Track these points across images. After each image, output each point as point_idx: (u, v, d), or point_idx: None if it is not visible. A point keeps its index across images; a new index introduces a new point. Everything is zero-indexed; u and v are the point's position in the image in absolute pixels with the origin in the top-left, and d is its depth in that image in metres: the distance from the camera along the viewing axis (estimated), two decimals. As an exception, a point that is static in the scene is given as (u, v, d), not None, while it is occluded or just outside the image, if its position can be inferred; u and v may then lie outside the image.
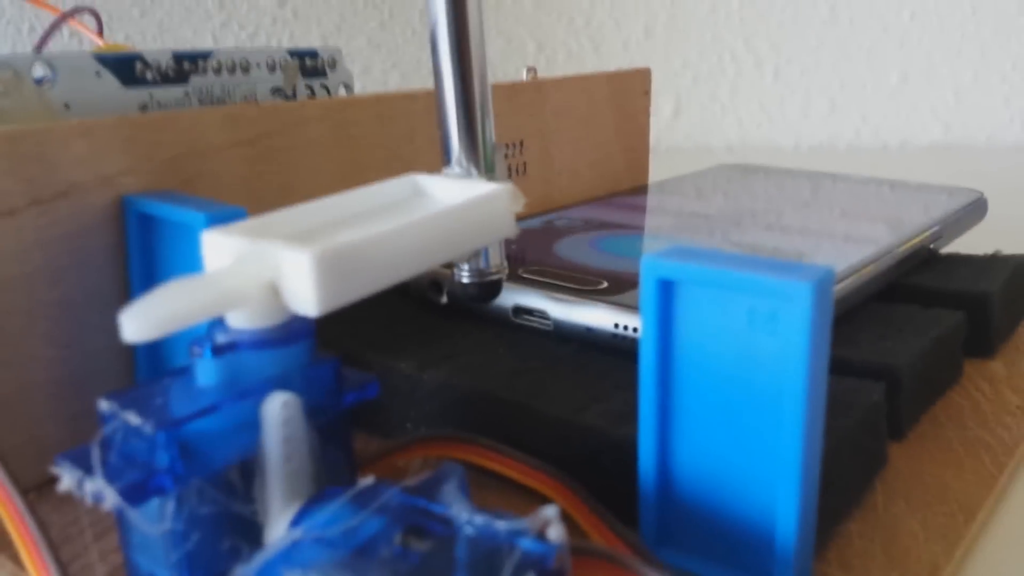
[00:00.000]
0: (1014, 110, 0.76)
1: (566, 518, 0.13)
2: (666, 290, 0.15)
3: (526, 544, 0.12)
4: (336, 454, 0.16)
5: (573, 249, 0.29)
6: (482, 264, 0.20)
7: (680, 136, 0.83)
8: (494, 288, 0.21)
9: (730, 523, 0.15)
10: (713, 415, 0.15)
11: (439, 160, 0.21)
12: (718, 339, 0.15)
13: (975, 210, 0.34)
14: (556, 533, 0.12)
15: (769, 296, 0.14)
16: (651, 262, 0.15)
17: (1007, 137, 0.76)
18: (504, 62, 0.83)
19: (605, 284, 0.25)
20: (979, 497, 0.19)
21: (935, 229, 0.30)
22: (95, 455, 0.13)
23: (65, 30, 0.29)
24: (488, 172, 0.20)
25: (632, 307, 0.23)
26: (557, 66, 0.84)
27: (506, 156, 0.32)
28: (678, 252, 0.15)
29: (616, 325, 0.22)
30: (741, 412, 0.15)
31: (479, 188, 0.19)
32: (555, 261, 0.27)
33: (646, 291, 0.15)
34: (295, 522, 0.14)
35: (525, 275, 0.25)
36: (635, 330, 0.22)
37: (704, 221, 0.32)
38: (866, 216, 0.32)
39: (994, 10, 0.75)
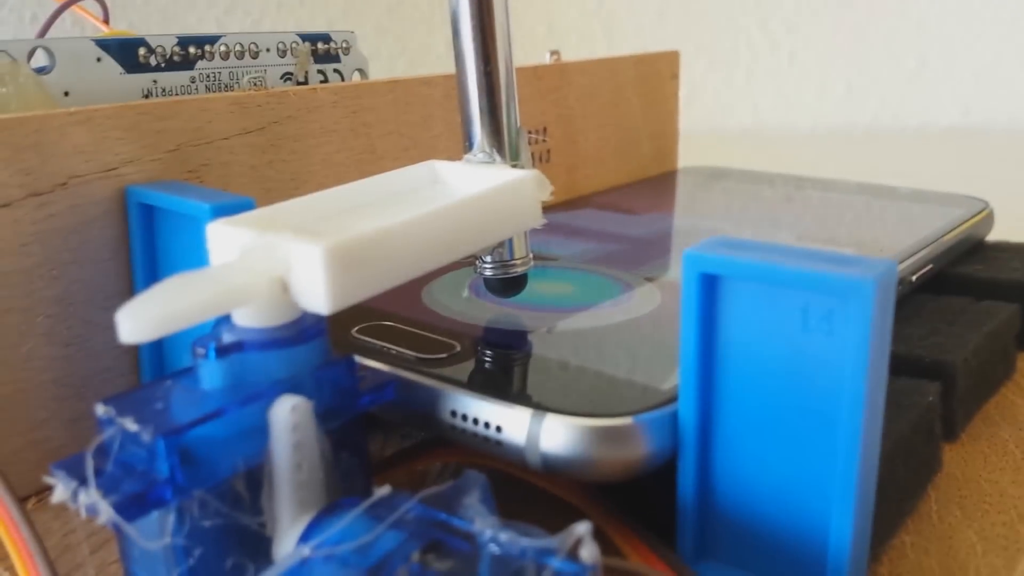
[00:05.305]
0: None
1: (597, 532, 0.12)
2: (710, 286, 0.14)
3: (556, 564, 0.11)
4: (350, 461, 0.15)
5: (447, 292, 0.22)
6: (506, 256, 0.19)
7: (694, 121, 0.81)
8: (519, 282, 0.20)
9: (776, 537, 0.14)
10: (759, 421, 0.14)
11: (458, 148, 0.20)
12: (767, 339, 0.13)
13: (979, 225, 0.28)
14: (589, 553, 0.11)
15: (826, 292, 0.13)
16: (694, 255, 0.14)
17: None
18: (514, 45, 0.81)
19: (457, 348, 0.18)
20: (1040, 505, 0.18)
21: (922, 256, 0.24)
22: (89, 465, 0.12)
23: (69, 20, 0.28)
24: (513, 158, 0.19)
25: (477, 388, 0.16)
26: (569, 49, 0.83)
27: (532, 142, 0.31)
28: (724, 244, 0.14)
29: (453, 413, 0.16)
30: (791, 418, 0.14)
31: (503, 175, 0.18)
32: (414, 312, 0.20)
33: (688, 288, 0.14)
34: (305, 537, 0.13)
35: (359, 336, 0.19)
36: (477, 422, 0.16)
37: (632, 248, 0.26)
38: (838, 241, 0.27)
39: (1014, -8, 0.73)
